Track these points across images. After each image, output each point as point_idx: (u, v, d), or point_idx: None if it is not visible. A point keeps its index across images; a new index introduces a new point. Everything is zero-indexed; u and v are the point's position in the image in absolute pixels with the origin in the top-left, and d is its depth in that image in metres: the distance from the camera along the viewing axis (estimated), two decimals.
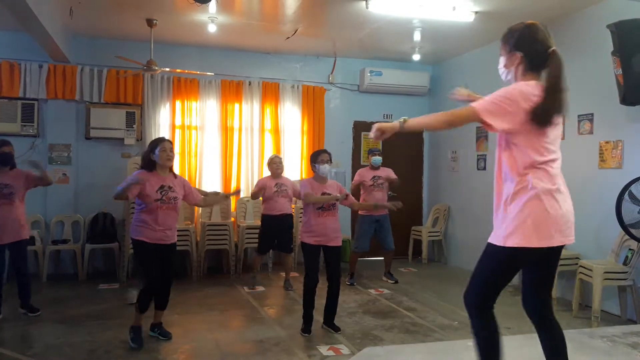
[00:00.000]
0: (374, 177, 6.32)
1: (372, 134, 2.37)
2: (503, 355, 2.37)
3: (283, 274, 6.20)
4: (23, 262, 4.87)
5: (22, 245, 4.84)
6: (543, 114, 2.21)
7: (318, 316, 4.53)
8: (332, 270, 4.38)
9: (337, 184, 4.61)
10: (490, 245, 2.34)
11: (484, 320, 2.38)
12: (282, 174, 5.95)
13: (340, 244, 4.45)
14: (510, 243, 2.24)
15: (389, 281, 6.40)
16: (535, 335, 2.48)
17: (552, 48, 2.28)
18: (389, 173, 6.45)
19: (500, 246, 2.27)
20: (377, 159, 6.37)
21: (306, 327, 4.35)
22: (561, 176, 2.32)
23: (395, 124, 2.33)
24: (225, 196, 5.12)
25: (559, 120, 2.29)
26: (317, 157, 4.45)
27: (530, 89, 2.23)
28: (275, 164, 5.84)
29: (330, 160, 4.47)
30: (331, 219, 4.36)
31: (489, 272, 2.38)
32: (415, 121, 2.34)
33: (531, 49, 2.30)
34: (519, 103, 2.19)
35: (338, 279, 4.41)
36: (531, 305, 2.48)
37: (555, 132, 2.30)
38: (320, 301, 4.42)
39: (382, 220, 6.29)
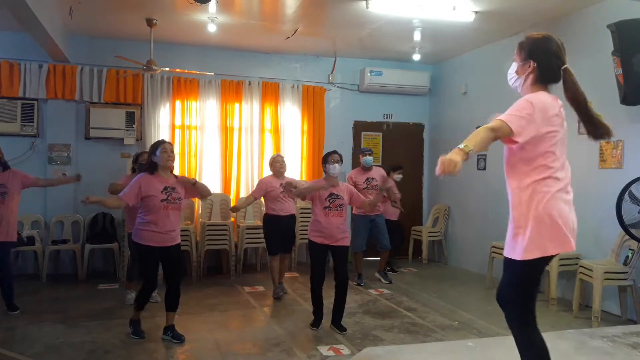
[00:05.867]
0: (367, 179, 6.24)
1: (439, 171, 1.99)
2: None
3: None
4: (4, 264, 4.82)
5: (4, 247, 4.78)
6: (599, 131, 2.25)
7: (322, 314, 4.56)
8: (339, 270, 4.43)
9: (349, 187, 4.62)
10: (512, 262, 2.30)
11: (530, 333, 2.31)
12: (285, 174, 5.82)
13: (347, 244, 4.51)
14: (531, 255, 2.23)
15: (383, 281, 6.36)
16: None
17: (566, 65, 2.28)
18: (382, 173, 6.39)
19: (522, 260, 2.25)
20: (369, 159, 6.30)
21: (314, 322, 4.50)
22: (568, 179, 2.30)
23: (460, 154, 2.01)
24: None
25: (564, 123, 2.28)
26: (327, 157, 4.54)
27: (548, 101, 2.23)
28: (279, 163, 5.66)
29: (341, 160, 4.57)
30: (338, 219, 4.42)
31: (523, 287, 2.32)
32: (473, 145, 2.06)
33: (546, 61, 2.30)
34: (536, 114, 2.17)
35: (345, 278, 4.45)
36: None
37: (561, 136, 2.27)
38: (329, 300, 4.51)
39: (376, 219, 6.25)
